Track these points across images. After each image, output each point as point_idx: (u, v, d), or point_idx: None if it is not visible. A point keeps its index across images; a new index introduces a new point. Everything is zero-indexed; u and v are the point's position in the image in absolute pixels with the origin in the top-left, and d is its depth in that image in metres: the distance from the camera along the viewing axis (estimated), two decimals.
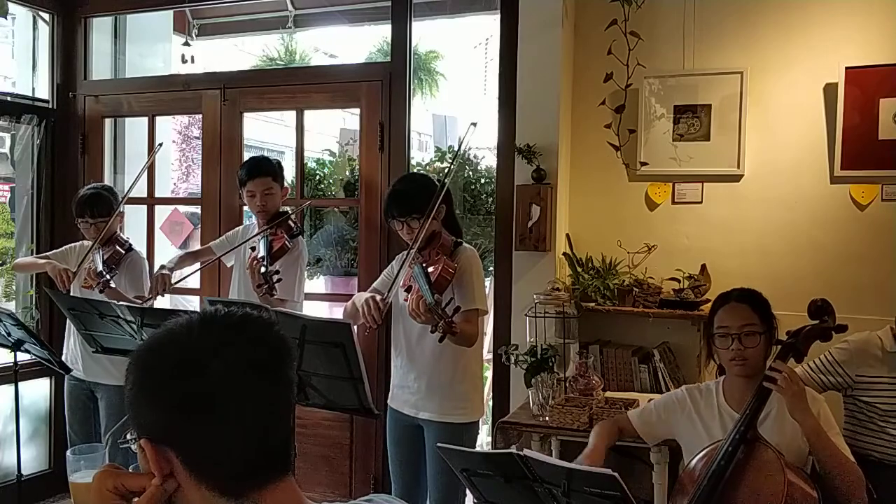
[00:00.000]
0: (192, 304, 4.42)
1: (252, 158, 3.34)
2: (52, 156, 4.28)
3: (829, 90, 3.04)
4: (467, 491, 2.04)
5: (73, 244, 3.53)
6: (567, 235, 3.37)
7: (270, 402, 1.00)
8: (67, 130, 4.31)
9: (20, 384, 3.14)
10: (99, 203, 3.30)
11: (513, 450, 1.75)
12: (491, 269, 3.54)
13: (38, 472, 4.15)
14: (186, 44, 5.13)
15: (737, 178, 3.18)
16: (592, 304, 3.16)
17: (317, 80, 4.03)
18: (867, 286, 2.98)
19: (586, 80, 3.33)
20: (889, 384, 2.47)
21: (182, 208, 5.70)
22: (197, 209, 4.91)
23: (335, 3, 4.74)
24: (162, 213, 4.84)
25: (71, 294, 3.23)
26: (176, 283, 3.23)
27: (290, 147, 5.60)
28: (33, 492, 3.95)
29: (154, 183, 4.17)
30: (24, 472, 3.35)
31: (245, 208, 3.70)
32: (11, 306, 4.34)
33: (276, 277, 2.92)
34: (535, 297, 3.01)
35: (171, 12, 4.89)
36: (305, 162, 4.29)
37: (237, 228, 3.52)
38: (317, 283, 5.37)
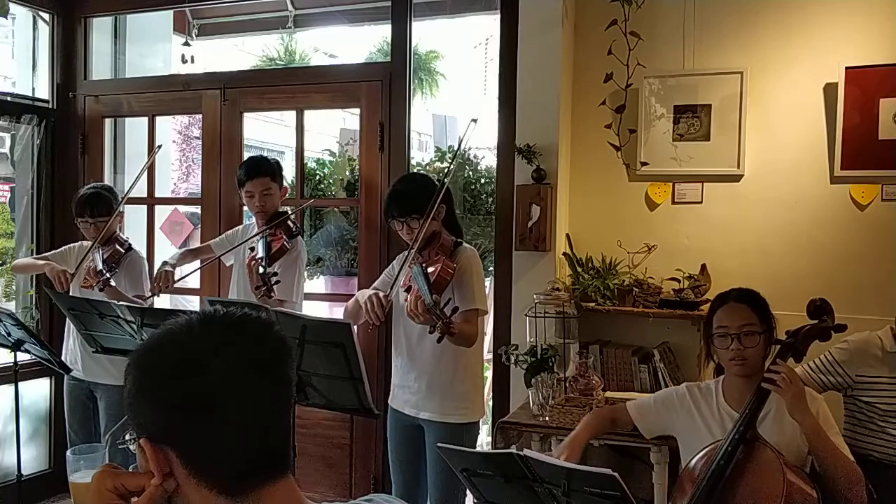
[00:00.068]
0: (192, 304, 4.42)
1: (250, 158, 3.33)
2: (52, 156, 4.28)
3: (829, 90, 3.04)
4: (467, 491, 2.03)
5: (72, 245, 3.53)
6: (567, 235, 3.37)
7: (271, 402, 1.01)
8: (67, 130, 4.31)
9: (20, 384, 3.14)
10: (99, 202, 3.30)
11: (513, 450, 1.75)
12: (491, 269, 3.54)
13: (38, 472, 4.15)
14: (186, 44, 5.13)
15: (737, 178, 3.18)
16: (592, 304, 3.16)
17: (317, 80, 4.02)
18: (867, 286, 2.98)
19: (586, 80, 3.33)
20: (889, 384, 2.47)
21: (182, 208, 5.71)
22: (197, 209, 4.92)
23: (335, 3, 4.74)
24: (162, 213, 4.84)
25: (70, 294, 3.23)
26: (177, 280, 3.23)
27: (290, 147, 5.60)
28: (33, 492, 3.94)
29: (154, 183, 4.17)
30: (24, 472, 3.35)
31: (245, 208, 3.70)
32: (11, 306, 4.34)
33: (274, 279, 2.92)
34: (535, 297, 3.01)
35: (171, 12, 4.89)
36: (305, 162, 4.29)
37: (237, 228, 3.52)
38: (317, 283, 5.37)
